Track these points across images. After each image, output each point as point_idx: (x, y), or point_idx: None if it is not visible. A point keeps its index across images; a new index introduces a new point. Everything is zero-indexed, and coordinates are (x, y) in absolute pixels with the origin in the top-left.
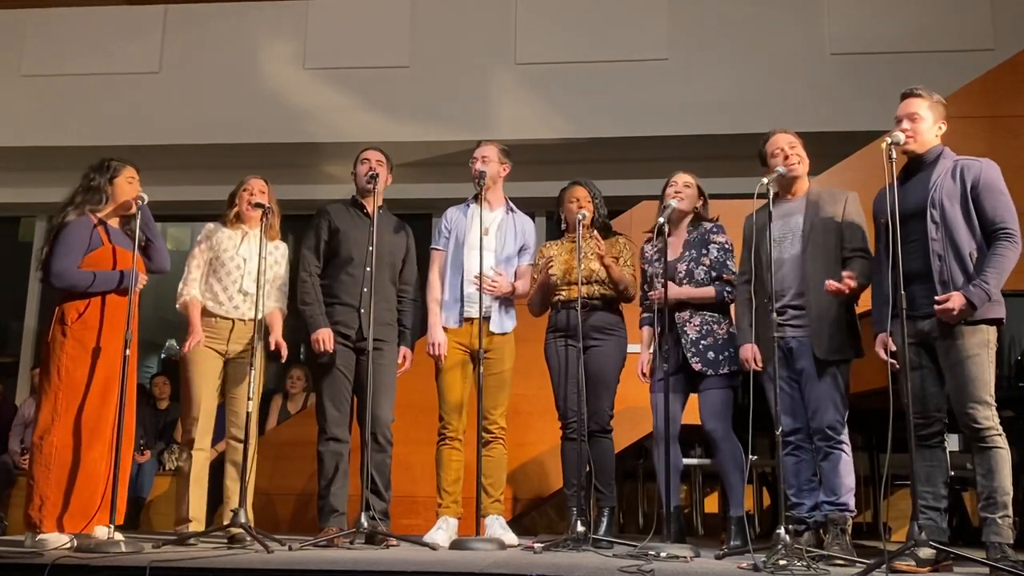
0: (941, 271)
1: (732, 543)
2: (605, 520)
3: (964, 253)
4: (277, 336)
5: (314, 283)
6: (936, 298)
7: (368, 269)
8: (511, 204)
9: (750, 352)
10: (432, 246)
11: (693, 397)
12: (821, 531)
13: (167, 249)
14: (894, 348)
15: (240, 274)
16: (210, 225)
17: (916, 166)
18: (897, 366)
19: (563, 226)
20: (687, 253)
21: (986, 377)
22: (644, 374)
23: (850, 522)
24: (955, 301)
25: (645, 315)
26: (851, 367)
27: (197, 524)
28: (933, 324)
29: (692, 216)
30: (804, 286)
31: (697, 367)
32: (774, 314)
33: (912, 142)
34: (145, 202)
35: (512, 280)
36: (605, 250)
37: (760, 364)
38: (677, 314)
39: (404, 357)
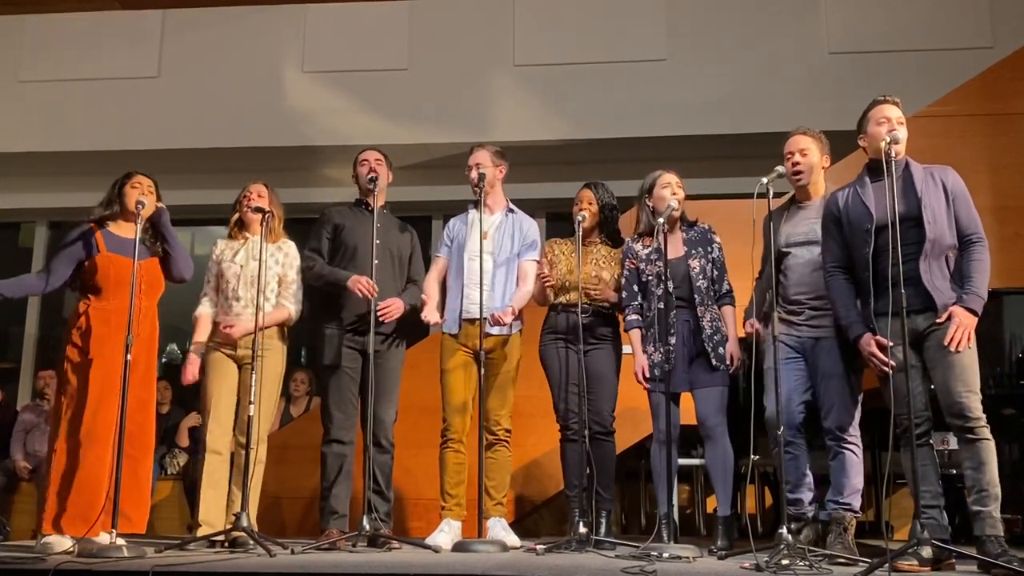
0: (926, 271)
1: (720, 543)
2: (604, 523)
3: (944, 255)
4: (263, 323)
5: (323, 261)
6: (937, 321)
7: (375, 261)
8: (512, 206)
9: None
10: (434, 253)
11: (685, 396)
12: (821, 528)
13: (188, 257)
14: (890, 344)
15: (237, 280)
16: (219, 238)
17: (881, 171)
18: (893, 367)
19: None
20: (694, 251)
21: (976, 368)
22: (645, 378)
23: (853, 521)
24: (960, 316)
25: (633, 317)
26: None
27: (209, 527)
28: (929, 318)
29: (679, 215)
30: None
31: (713, 361)
32: (775, 313)
33: (897, 147)
34: (143, 207)
35: (514, 287)
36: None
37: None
38: (698, 308)
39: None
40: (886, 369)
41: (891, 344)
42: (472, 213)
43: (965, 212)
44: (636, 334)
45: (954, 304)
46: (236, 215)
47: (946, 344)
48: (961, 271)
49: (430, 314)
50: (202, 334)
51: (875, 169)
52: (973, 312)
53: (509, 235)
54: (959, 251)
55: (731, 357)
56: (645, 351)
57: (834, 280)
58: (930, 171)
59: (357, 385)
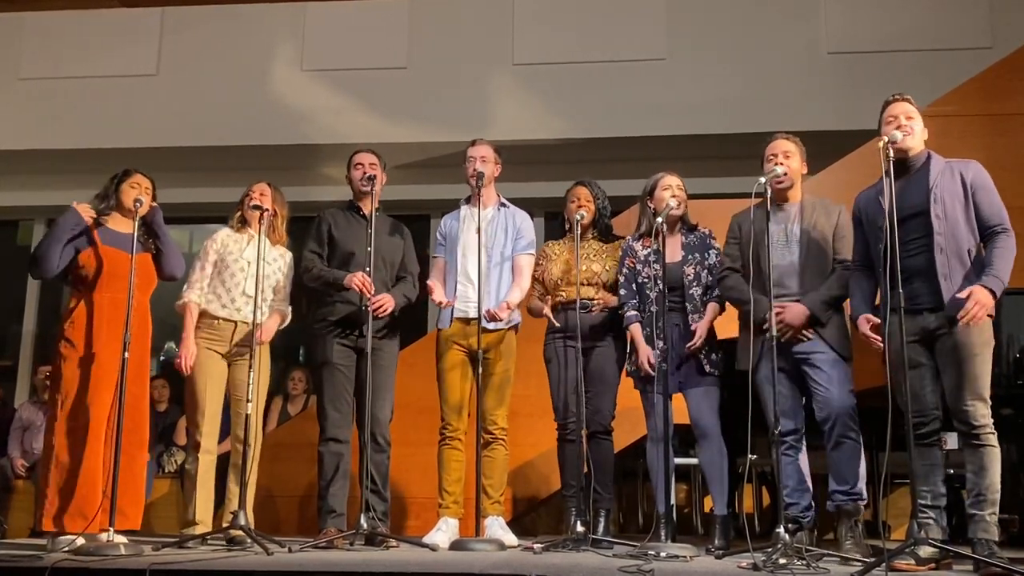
0: (944, 265)
1: (717, 542)
2: (602, 521)
3: (963, 250)
4: (266, 332)
5: (322, 263)
6: (957, 295)
7: (367, 270)
8: (503, 200)
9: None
10: (432, 255)
11: (676, 396)
12: (815, 531)
13: (180, 255)
14: (877, 320)
15: (244, 276)
16: (219, 230)
17: (903, 168)
18: (882, 341)
19: (567, 226)
20: (691, 256)
21: (987, 375)
22: (652, 368)
23: (863, 513)
24: (978, 294)
25: (631, 314)
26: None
27: (204, 526)
28: (940, 318)
29: (680, 219)
30: (804, 290)
31: (707, 367)
32: (772, 314)
33: (909, 139)
34: (141, 206)
35: (510, 280)
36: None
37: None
38: (690, 315)
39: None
40: (878, 346)
41: (879, 321)
42: (464, 209)
43: (987, 203)
44: (637, 328)
45: (974, 285)
46: (238, 212)
47: (959, 318)
48: (983, 260)
49: (439, 295)
50: (193, 322)
51: (894, 167)
52: (992, 292)
53: (502, 228)
54: (983, 242)
55: (696, 333)
56: None
57: (853, 276)
58: (951, 165)
59: (352, 383)
